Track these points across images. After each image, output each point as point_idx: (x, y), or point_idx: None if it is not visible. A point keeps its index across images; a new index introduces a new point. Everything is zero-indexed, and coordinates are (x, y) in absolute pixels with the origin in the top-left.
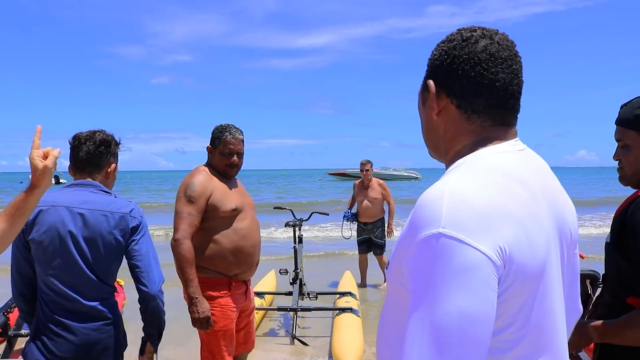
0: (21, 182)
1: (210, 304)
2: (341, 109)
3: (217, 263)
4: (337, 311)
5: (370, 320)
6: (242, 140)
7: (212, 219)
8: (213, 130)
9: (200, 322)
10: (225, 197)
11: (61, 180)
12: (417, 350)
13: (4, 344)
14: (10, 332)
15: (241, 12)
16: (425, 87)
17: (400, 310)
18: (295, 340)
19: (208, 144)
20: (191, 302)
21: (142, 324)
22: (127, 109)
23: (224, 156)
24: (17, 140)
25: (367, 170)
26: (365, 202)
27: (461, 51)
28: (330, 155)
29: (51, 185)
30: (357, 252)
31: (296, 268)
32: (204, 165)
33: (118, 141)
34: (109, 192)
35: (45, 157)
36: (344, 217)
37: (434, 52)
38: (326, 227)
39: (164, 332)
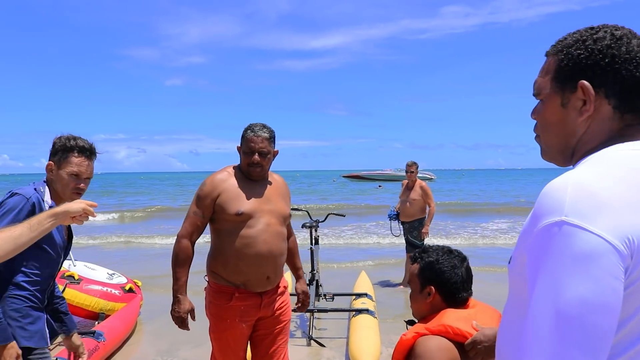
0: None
1: (209, 310)
2: (354, 110)
3: (220, 269)
4: (354, 312)
5: (387, 322)
6: (268, 139)
7: (219, 221)
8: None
9: (176, 320)
10: (234, 199)
11: None
12: (537, 338)
13: None
14: None
15: (255, 14)
16: (566, 88)
17: (522, 304)
18: (312, 342)
19: (236, 145)
20: (173, 300)
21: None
22: (141, 111)
23: (245, 155)
24: (33, 142)
25: (412, 172)
26: (406, 202)
27: (619, 50)
28: (344, 156)
29: None
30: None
31: (312, 269)
32: (234, 166)
33: (90, 148)
34: (33, 182)
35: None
36: (388, 215)
37: (578, 52)
38: (346, 233)
39: (181, 332)
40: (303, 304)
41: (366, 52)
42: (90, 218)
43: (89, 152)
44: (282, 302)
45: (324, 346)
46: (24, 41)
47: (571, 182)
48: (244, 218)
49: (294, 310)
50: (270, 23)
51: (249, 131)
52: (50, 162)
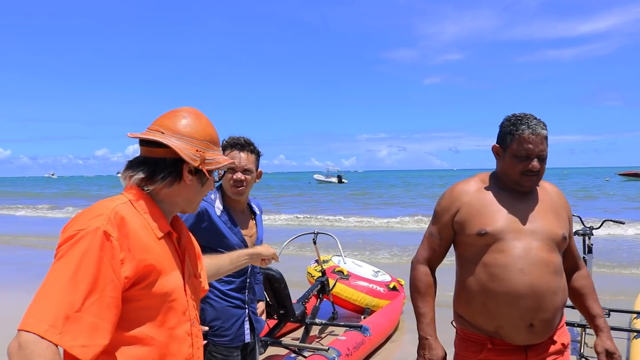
0: (309, 182)
1: None
2: (632, 99)
3: (465, 310)
4: (635, 334)
5: None
6: (546, 137)
7: (460, 244)
8: (502, 123)
9: None
10: (478, 215)
11: (343, 180)
12: None
13: (302, 330)
14: (307, 320)
15: (514, 4)
16: None
17: None
18: None
19: (495, 142)
20: (419, 343)
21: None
22: (401, 110)
23: (518, 160)
24: (305, 142)
25: None
26: None
27: None
28: (618, 152)
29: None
30: None
31: None
32: (488, 174)
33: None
34: None
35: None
36: None
37: None
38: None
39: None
40: None
41: None
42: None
43: (239, 145)
44: None
45: None
46: (294, 50)
47: None
48: (489, 240)
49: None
50: (531, 12)
51: (523, 127)
52: None
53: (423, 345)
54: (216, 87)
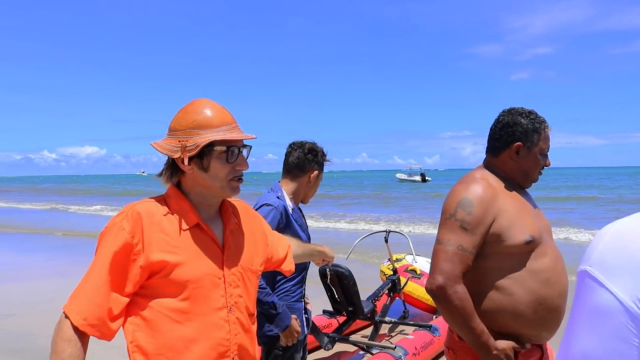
0: (391, 181)
1: None
2: None
3: (505, 321)
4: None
5: None
6: None
7: (494, 255)
8: (517, 119)
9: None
10: (517, 222)
11: (427, 178)
12: None
13: (371, 328)
14: (377, 318)
15: None
16: None
17: None
18: None
19: (516, 141)
20: (481, 353)
21: None
22: (487, 107)
23: (543, 158)
24: (387, 141)
25: None
26: None
27: None
28: None
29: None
30: None
31: None
32: (481, 169)
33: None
34: (271, 189)
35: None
36: None
37: None
38: None
39: None
40: None
41: None
42: None
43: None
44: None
45: None
46: (377, 47)
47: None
48: (533, 246)
49: None
50: None
51: (546, 123)
52: (317, 171)
53: (485, 351)
54: (299, 86)
